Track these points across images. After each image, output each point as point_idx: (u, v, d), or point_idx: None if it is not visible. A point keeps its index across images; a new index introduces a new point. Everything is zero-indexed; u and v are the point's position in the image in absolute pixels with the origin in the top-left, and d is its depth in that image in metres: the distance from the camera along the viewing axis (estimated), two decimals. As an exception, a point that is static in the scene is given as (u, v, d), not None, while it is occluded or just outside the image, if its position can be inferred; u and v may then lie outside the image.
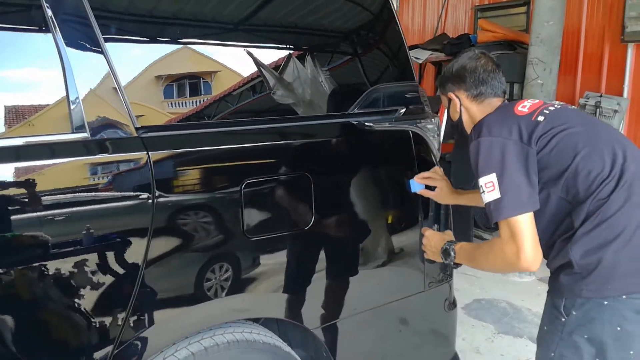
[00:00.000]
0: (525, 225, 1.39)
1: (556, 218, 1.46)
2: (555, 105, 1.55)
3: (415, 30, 6.21)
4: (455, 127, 1.74)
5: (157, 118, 1.46)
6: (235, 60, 1.61)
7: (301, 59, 1.71)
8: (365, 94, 1.78)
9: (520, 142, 1.43)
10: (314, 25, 1.81)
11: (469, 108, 1.66)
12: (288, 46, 1.75)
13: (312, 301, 1.69)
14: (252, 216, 1.51)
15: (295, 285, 1.66)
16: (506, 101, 1.67)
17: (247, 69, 1.61)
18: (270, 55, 1.67)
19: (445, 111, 4.64)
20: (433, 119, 1.96)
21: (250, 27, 1.67)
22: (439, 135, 1.98)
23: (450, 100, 1.71)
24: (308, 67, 1.71)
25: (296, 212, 1.62)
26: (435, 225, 1.79)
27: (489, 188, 1.42)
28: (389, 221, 1.84)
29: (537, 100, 1.59)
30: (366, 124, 1.75)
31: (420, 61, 5.03)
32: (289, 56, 1.68)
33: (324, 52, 1.81)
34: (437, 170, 1.89)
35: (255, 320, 1.71)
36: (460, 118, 1.69)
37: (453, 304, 2.11)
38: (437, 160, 2.00)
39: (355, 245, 1.78)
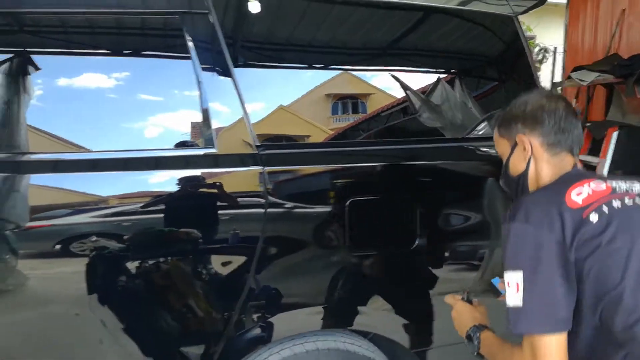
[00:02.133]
0: (552, 348, 1.06)
1: (591, 355, 1.13)
2: (626, 202, 1.14)
3: (585, 51, 5.70)
4: (512, 185, 1.34)
5: (274, 137, 1.63)
6: (354, 84, 1.74)
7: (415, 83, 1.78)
8: (483, 120, 1.76)
9: (562, 242, 1.09)
10: (434, 48, 1.85)
11: (539, 160, 1.27)
12: (406, 68, 1.83)
13: (413, 321, 1.71)
14: (356, 232, 1.59)
15: (398, 303, 1.70)
16: (577, 165, 1.28)
17: (362, 93, 1.73)
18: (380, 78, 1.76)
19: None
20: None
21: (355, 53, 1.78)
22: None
23: (514, 145, 1.31)
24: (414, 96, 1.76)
25: (400, 232, 1.66)
26: (466, 292, 1.49)
27: (511, 289, 1.11)
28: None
29: (605, 187, 1.17)
30: (481, 149, 1.73)
31: (584, 83, 4.62)
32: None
33: (440, 74, 1.83)
34: None
35: (365, 335, 1.77)
36: (524, 172, 1.29)
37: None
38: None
39: (464, 273, 1.75)
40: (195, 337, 1.55)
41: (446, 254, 1.72)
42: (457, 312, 1.46)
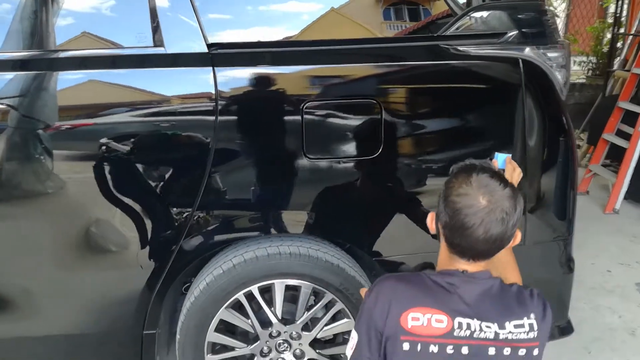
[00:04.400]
0: None
1: None
2: (448, 350, 1.10)
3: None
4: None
5: (228, 37, 1.56)
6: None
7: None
8: (462, 15, 1.58)
9: (380, 337, 1.15)
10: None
11: (442, 242, 1.21)
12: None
13: (377, 231, 1.67)
14: (313, 138, 1.53)
15: (358, 212, 1.66)
16: (466, 271, 1.16)
17: None
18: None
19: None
20: (560, 46, 1.64)
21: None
22: (565, 66, 1.66)
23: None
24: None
25: (361, 139, 1.57)
26: None
27: (350, 343, 1.21)
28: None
29: (445, 325, 1.11)
30: (459, 48, 1.57)
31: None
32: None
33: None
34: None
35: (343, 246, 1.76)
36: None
37: (568, 267, 1.83)
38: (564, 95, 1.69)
39: (428, 182, 1.66)
40: (160, 235, 1.58)
41: (411, 165, 1.62)
42: None
